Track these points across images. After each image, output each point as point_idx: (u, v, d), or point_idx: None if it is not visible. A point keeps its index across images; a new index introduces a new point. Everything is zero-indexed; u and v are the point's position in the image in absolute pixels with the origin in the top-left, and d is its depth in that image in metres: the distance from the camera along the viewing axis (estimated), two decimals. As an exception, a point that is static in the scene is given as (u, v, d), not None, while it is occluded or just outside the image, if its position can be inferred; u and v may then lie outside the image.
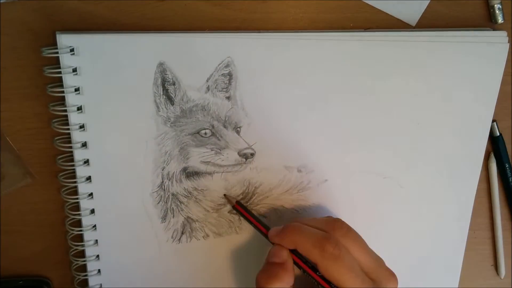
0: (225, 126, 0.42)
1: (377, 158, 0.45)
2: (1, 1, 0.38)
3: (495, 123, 0.46)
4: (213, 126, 0.42)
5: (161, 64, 0.40)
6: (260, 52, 0.41)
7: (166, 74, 0.40)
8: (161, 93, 0.41)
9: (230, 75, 0.41)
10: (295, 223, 0.40)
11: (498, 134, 0.46)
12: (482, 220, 0.49)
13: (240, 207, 0.43)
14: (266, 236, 0.41)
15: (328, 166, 0.45)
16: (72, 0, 0.40)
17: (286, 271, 0.38)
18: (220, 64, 0.41)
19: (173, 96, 0.41)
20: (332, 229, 0.38)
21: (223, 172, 0.43)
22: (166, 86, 0.41)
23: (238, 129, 0.43)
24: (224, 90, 0.42)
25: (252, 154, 0.43)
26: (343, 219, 0.39)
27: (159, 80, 0.41)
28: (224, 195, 0.44)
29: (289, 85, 0.42)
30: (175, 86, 0.41)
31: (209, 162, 0.43)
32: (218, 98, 0.42)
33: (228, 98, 0.42)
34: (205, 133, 0.42)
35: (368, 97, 0.43)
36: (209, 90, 0.42)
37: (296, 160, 0.44)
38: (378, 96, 0.43)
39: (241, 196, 0.44)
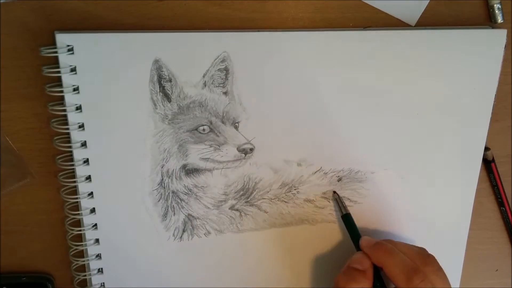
0: (223, 122, 0.42)
1: (377, 151, 0.45)
2: (1, 1, 0.39)
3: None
4: (211, 122, 0.42)
5: (156, 61, 0.40)
6: (256, 46, 0.41)
7: (162, 71, 0.41)
8: (158, 90, 0.41)
9: (226, 70, 0.41)
10: (389, 244, 0.41)
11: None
12: (482, 220, 0.48)
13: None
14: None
15: (328, 160, 0.44)
16: (71, 0, 0.40)
17: (366, 278, 0.40)
18: (216, 59, 0.41)
19: (169, 93, 0.41)
20: (424, 263, 0.39)
21: (222, 168, 0.43)
22: (163, 83, 0.41)
23: (237, 124, 0.43)
24: (221, 85, 0.42)
25: (252, 149, 0.43)
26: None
27: (155, 77, 0.41)
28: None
29: (286, 79, 0.42)
30: (172, 83, 0.41)
31: (208, 158, 0.43)
32: (215, 94, 0.42)
33: (225, 93, 0.42)
34: (203, 130, 0.42)
35: (368, 94, 0.43)
36: (205, 86, 0.42)
37: (296, 154, 0.44)
38: (377, 94, 0.43)
39: (241, 192, 0.44)
